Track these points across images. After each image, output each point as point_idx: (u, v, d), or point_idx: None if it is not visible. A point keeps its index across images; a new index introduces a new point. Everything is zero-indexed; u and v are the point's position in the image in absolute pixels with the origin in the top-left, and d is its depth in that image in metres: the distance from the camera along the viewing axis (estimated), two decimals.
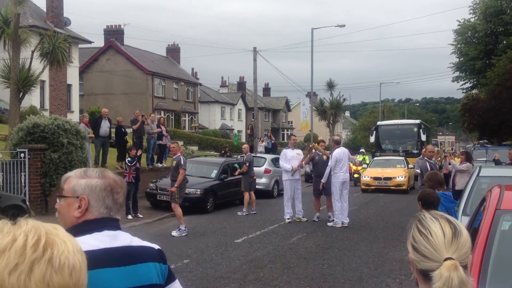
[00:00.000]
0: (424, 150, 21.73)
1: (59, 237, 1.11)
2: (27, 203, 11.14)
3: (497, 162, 14.97)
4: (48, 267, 1.04)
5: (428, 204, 5.93)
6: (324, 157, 14.88)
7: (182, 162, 12.43)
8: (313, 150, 14.78)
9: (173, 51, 54.79)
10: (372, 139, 34.10)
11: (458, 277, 1.58)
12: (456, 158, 20.56)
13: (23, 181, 13.98)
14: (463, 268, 1.61)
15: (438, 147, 37.21)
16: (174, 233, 12.06)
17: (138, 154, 15.09)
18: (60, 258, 1.06)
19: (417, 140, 31.80)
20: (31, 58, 17.52)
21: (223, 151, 28.14)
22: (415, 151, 29.97)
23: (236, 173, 17.21)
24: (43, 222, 1.18)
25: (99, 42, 46.62)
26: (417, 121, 35.22)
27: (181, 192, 12.49)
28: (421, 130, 32.01)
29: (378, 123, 36.37)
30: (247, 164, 16.24)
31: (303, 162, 14.69)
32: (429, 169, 11.12)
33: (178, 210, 12.22)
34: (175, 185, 12.30)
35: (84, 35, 34.63)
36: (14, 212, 10.17)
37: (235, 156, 26.19)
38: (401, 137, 33.12)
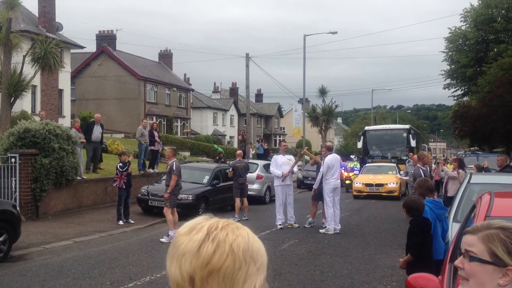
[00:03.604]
0: (411, 155, 21.76)
1: (201, 228, 1.29)
2: (18, 209, 11.07)
3: (486, 170, 15.02)
4: (180, 252, 1.27)
5: (413, 211, 6.02)
6: (312, 161, 14.87)
7: (174, 168, 12.38)
8: (304, 156, 14.83)
9: (166, 57, 54.78)
10: (359, 144, 32.72)
11: None
12: (448, 165, 20.68)
13: (13, 186, 13.91)
14: None
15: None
16: (163, 239, 12.00)
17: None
18: (187, 244, 1.26)
19: (406, 146, 30.43)
20: (23, 63, 17.46)
21: (217, 157, 28.08)
22: (405, 157, 29.17)
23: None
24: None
25: (91, 47, 46.53)
26: (407, 126, 33.77)
27: (173, 197, 12.45)
28: (410, 135, 30.73)
29: (366, 128, 34.84)
30: (231, 170, 16.33)
31: (311, 163, 14.75)
32: (422, 176, 11.08)
33: (169, 215, 12.19)
34: (168, 191, 12.28)
35: (77, 40, 34.55)
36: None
37: (229, 161, 26.14)
38: (389, 142, 31.67)
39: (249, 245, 1.28)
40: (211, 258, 1.23)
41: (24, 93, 17.96)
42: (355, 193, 23.94)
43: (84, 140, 17.64)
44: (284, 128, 77.14)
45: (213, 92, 69.58)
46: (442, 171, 15.17)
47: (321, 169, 13.89)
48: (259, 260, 1.30)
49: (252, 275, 1.27)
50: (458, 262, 1.83)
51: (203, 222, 1.31)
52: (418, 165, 12.61)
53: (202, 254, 1.24)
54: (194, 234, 1.27)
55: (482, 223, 1.86)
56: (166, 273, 1.31)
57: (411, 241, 6.01)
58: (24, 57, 17.68)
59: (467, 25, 40.35)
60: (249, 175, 17.55)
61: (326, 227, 13.60)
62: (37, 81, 26.15)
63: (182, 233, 1.30)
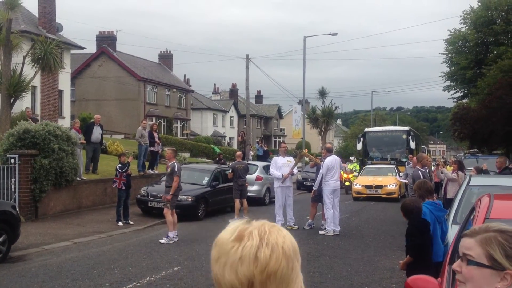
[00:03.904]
0: (411, 157, 21.76)
1: (250, 234, 1.35)
2: (17, 209, 11.06)
3: (485, 172, 15.03)
4: (235, 258, 1.31)
5: (409, 213, 6.05)
6: (312, 163, 14.85)
7: (176, 169, 12.38)
8: (304, 157, 14.81)
9: (166, 58, 54.81)
10: (359, 146, 32.72)
11: None
12: (448, 167, 20.67)
13: (13, 187, 13.90)
14: None
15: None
16: (162, 240, 12.00)
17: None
18: (243, 251, 1.31)
19: (406, 148, 30.48)
20: (23, 64, 17.46)
21: (217, 158, 28.07)
22: (404, 159, 29.12)
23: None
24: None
25: (91, 48, 46.55)
26: (406, 128, 33.81)
27: (173, 198, 12.45)
28: (410, 137, 30.80)
29: (366, 129, 34.88)
30: (231, 171, 16.34)
31: (310, 165, 14.73)
32: (421, 177, 11.07)
33: (169, 216, 12.18)
34: (170, 193, 12.24)
35: (77, 41, 34.57)
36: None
37: (229, 163, 26.12)
38: (389, 144, 31.74)
39: (293, 245, 1.38)
40: (269, 262, 1.30)
41: (24, 93, 17.95)
42: (354, 194, 23.93)
43: (84, 141, 17.63)
44: (283, 130, 77.15)
45: (213, 93, 69.57)
46: (442, 173, 15.17)
47: (320, 171, 13.89)
48: (299, 258, 1.40)
49: (298, 272, 1.38)
50: (455, 265, 1.80)
51: (249, 227, 1.37)
52: (417, 167, 12.62)
53: (260, 259, 1.30)
54: (247, 240, 1.33)
55: (481, 226, 1.82)
56: (215, 279, 1.36)
57: (410, 242, 6.03)
58: (24, 57, 17.68)
59: (467, 27, 40.34)
60: (248, 176, 17.54)
61: (325, 228, 13.59)
62: (37, 81, 26.16)
63: (232, 239, 1.35)
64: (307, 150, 19.16)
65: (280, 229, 1.40)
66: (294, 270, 1.36)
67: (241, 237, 1.34)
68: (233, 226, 1.39)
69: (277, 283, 1.31)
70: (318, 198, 14.17)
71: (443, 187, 15.23)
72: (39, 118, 26.88)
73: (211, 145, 39.83)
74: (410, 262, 5.99)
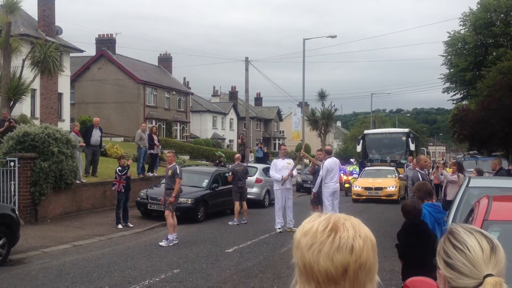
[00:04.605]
0: (410, 159, 21.76)
1: (344, 225, 1.43)
2: (17, 212, 11.06)
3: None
4: (332, 247, 1.39)
5: (406, 214, 6.08)
6: (311, 170, 14.89)
7: (178, 171, 12.40)
8: (303, 159, 14.79)
9: (165, 61, 54.86)
10: (359, 148, 32.61)
11: None
12: (447, 169, 20.67)
13: (12, 190, 13.90)
14: None
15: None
16: (162, 243, 11.99)
17: None
18: (340, 241, 1.39)
19: (405, 150, 30.42)
20: (22, 67, 17.50)
21: (217, 161, 28.08)
22: (404, 161, 29.05)
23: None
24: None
25: (90, 51, 46.57)
26: (406, 130, 33.59)
27: (175, 201, 12.45)
28: (409, 139, 30.70)
29: (365, 131, 34.85)
30: (230, 174, 16.35)
31: (309, 171, 14.74)
32: (420, 179, 11.07)
33: (170, 219, 12.18)
34: (173, 195, 12.22)
35: (76, 44, 34.63)
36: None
37: (228, 166, 26.13)
38: (389, 146, 31.66)
39: (374, 238, 1.48)
40: (362, 253, 1.40)
41: (23, 96, 18.00)
42: (354, 196, 23.93)
43: (83, 144, 17.63)
44: (283, 132, 77.16)
45: (212, 95, 69.62)
46: (442, 175, 15.18)
47: (320, 173, 13.89)
48: None
49: None
50: None
51: (340, 219, 1.46)
52: (417, 168, 12.62)
53: (356, 249, 1.40)
54: (343, 231, 1.42)
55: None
56: (307, 265, 1.43)
57: (397, 243, 6.09)
58: (24, 60, 17.72)
59: (466, 29, 40.44)
60: (248, 178, 17.55)
61: None
62: (36, 84, 26.18)
63: (328, 229, 1.43)
64: (304, 150, 19.10)
65: (361, 222, 1.49)
66: (377, 262, 1.45)
67: (337, 228, 1.42)
68: (323, 217, 1.47)
69: (366, 272, 1.40)
70: (317, 200, 14.16)
71: (442, 189, 15.23)
72: (38, 121, 26.90)
73: (218, 153, 39.87)
74: (403, 264, 6.00)
